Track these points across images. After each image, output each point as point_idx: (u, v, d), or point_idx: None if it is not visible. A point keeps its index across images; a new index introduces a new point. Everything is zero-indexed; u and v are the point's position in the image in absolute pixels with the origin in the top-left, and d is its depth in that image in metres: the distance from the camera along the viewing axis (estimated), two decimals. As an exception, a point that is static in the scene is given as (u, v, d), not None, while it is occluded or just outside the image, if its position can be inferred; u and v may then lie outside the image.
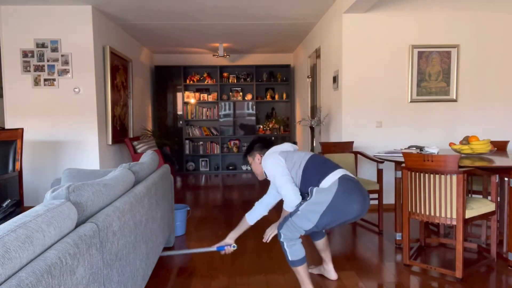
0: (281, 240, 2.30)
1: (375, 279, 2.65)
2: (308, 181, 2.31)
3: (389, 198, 4.45)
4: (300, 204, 2.28)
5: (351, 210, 2.21)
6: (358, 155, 4.18)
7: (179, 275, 2.75)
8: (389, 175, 4.40)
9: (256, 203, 2.65)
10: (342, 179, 2.25)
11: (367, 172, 4.61)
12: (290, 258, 2.30)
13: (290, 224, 2.26)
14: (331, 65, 5.03)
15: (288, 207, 2.34)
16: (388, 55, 4.59)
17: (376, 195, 3.80)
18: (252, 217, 2.63)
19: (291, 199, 2.30)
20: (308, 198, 2.26)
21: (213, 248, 2.69)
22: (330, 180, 2.25)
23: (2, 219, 3.05)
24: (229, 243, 2.67)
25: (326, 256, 2.66)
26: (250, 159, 2.64)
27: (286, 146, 2.56)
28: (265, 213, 2.65)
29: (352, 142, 4.21)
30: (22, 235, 1.05)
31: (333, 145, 4.15)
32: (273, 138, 7.75)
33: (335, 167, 2.36)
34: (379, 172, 3.73)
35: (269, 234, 2.50)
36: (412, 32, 4.59)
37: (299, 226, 2.24)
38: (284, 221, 2.29)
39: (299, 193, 2.33)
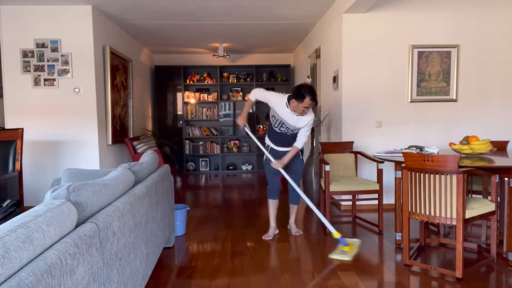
0: (299, 191, 3.49)
1: (375, 279, 2.65)
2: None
3: (389, 198, 4.45)
4: (302, 160, 3.64)
5: None
6: (358, 155, 4.18)
7: (179, 275, 2.75)
8: (389, 175, 4.40)
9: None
10: None
11: (367, 172, 4.61)
12: (301, 195, 3.49)
13: (300, 175, 3.64)
14: (331, 65, 5.03)
15: (301, 146, 3.48)
16: (388, 55, 4.59)
17: (376, 195, 3.80)
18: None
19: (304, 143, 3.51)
20: (300, 157, 3.61)
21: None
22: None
23: (2, 219, 3.05)
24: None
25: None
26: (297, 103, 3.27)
27: None
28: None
29: (352, 142, 4.21)
30: (22, 235, 1.05)
31: (333, 145, 4.15)
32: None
33: None
34: (379, 172, 3.73)
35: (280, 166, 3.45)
36: (412, 32, 4.59)
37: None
38: (299, 178, 3.61)
39: None
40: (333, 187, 3.66)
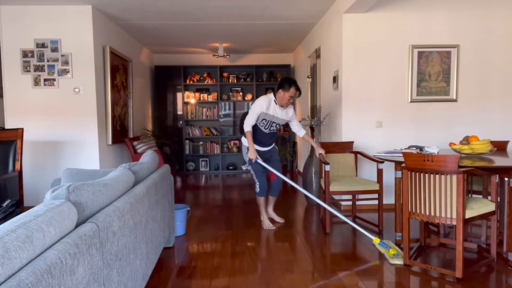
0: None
1: (375, 279, 2.65)
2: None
3: (389, 198, 4.45)
4: (278, 155, 4.14)
5: None
6: (358, 155, 4.19)
7: (179, 275, 2.75)
8: (389, 175, 4.41)
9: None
10: None
11: (367, 172, 4.61)
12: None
13: (280, 169, 4.02)
14: (331, 65, 5.03)
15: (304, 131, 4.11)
16: (388, 55, 4.59)
17: (376, 195, 3.80)
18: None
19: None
20: (277, 153, 4.10)
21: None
22: None
23: (2, 219, 3.05)
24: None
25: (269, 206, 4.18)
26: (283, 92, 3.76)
27: None
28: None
29: (352, 142, 4.21)
30: (22, 235, 1.05)
31: (333, 145, 4.15)
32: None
33: None
34: (379, 172, 3.73)
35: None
36: (412, 32, 4.59)
37: None
38: (280, 170, 3.97)
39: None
40: (333, 187, 3.66)
